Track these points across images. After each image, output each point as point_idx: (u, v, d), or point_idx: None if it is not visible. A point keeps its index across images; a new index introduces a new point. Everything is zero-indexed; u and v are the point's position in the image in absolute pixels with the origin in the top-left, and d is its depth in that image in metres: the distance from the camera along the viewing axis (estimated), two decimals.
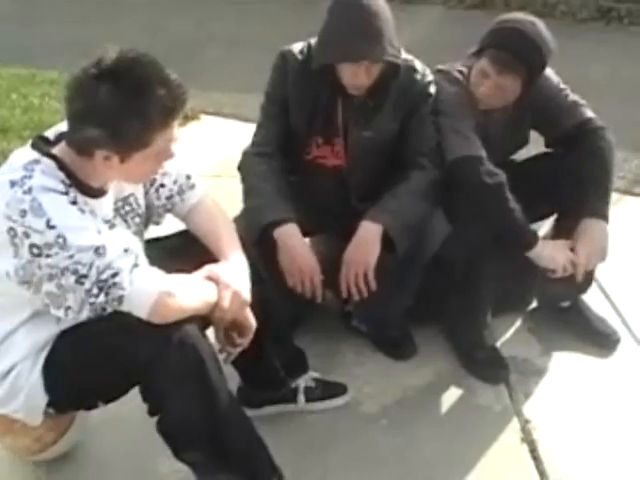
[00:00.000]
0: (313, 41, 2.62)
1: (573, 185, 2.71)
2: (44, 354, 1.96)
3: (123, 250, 1.82)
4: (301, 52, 2.65)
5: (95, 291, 1.79)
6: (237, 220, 2.67)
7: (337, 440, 2.54)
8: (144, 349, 1.83)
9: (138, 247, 1.90)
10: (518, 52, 2.54)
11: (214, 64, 6.31)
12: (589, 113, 2.79)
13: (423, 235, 2.64)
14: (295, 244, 2.52)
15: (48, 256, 1.77)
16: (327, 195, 2.77)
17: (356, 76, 2.48)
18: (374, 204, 2.61)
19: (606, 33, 7.24)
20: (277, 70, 2.69)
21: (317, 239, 2.93)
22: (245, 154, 2.73)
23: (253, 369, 2.49)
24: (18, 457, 2.36)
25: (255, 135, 2.75)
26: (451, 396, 2.74)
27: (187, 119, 5.11)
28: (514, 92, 2.64)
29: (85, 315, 1.83)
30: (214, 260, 2.13)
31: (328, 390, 2.65)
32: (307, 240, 2.64)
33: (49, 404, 2.01)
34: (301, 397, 2.60)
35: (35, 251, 1.77)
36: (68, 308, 1.84)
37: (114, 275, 1.79)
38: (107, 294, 1.79)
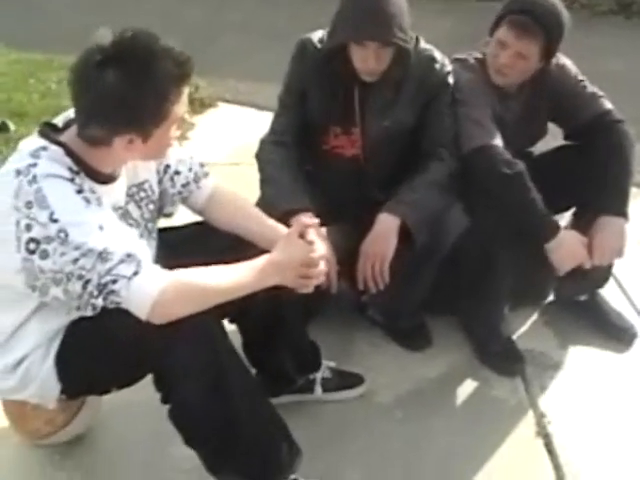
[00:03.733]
0: None
1: (592, 179, 2.69)
2: (56, 343, 1.96)
3: (126, 255, 1.78)
4: (320, 41, 2.64)
5: (95, 293, 1.77)
6: None
7: (351, 430, 2.54)
8: (156, 338, 1.81)
9: (143, 249, 1.86)
10: (536, 15, 2.54)
11: (231, 52, 6.30)
12: (608, 105, 2.78)
13: (441, 227, 2.63)
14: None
15: (44, 253, 1.75)
16: (344, 185, 2.76)
17: (365, 60, 2.47)
18: (392, 195, 2.60)
19: (625, 27, 7.19)
20: (296, 59, 2.69)
21: (334, 229, 2.92)
22: (263, 142, 2.73)
23: (263, 364, 2.49)
24: (30, 441, 2.36)
25: (273, 124, 2.75)
26: (466, 388, 2.73)
27: (204, 106, 5.13)
28: (533, 61, 2.62)
29: (89, 313, 1.82)
30: (236, 249, 2.10)
31: (345, 381, 2.65)
32: (323, 230, 2.63)
33: (62, 391, 2.01)
34: (318, 388, 2.61)
35: (31, 247, 1.76)
36: (73, 309, 1.85)
37: (113, 282, 1.76)
38: (105, 299, 1.78)
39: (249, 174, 2.81)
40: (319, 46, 2.62)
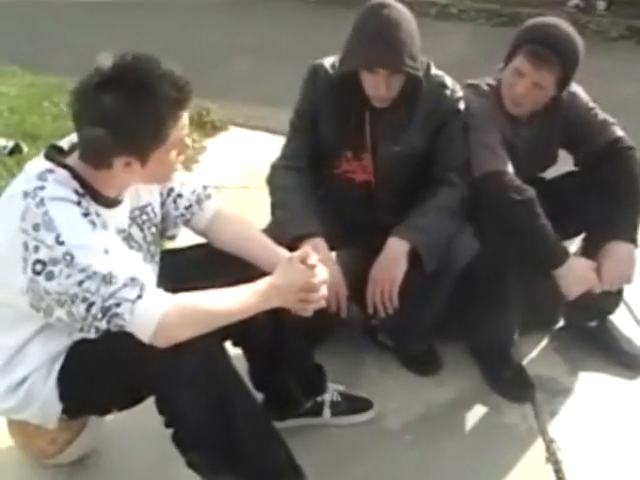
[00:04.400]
0: None
1: (601, 205, 2.69)
2: (58, 364, 1.97)
3: (130, 279, 1.79)
4: (332, 66, 2.66)
5: (99, 316, 1.78)
6: (264, 232, 2.68)
7: (359, 455, 2.53)
8: (157, 361, 1.82)
9: (146, 272, 1.87)
10: (553, 44, 2.54)
11: (243, 75, 6.34)
12: (619, 132, 2.78)
13: (451, 251, 2.63)
14: (322, 258, 2.51)
15: (50, 274, 1.76)
16: (355, 210, 2.77)
17: (376, 87, 2.49)
18: (402, 220, 2.60)
19: (636, 52, 7.21)
20: (307, 84, 2.70)
21: (344, 253, 2.92)
22: (274, 167, 2.74)
23: (268, 387, 2.49)
24: (37, 461, 2.36)
25: (284, 149, 2.76)
26: (476, 414, 2.72)
27: (215, 129, 5.15)
28: (549, 91, 2.63)
29: (92, 335, 1.83)
30: (233, 266, 2.14)
31: (354, 405, 2.64)
32: (333, 254, 2.63)
33: (63, 411, 2.02)
34: (327, 411, 2.60)
35: (38, 268, 1.77)
36: (76, 331, 1.86)
37: (117, 305, 1.77)
38: (109, 322, 1.79)
39: (258, 198, 2.83)
40: (331, 71, 2.64)
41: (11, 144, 4.29)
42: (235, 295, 1.93)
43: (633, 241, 2.67)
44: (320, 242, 2.51)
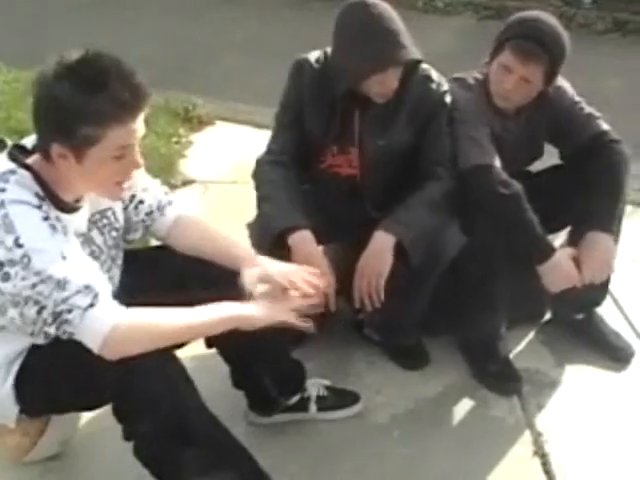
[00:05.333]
0: (329, 49, 2.62)
1: (586, 198, 2.69)
2: (16, 366, 1.97)
3: (84, 286, 1.77)
4: (317, 61, 2.65)
5: (49, 321, 1.77)
6: (251, 227, 2.69)
7: (347, 449, 2.53)
8: (111, 371, 1.81)
9: (102, 282, 1.85)
10: (539, 39, 2.54)
11: (231, 71, 6.31)
12: (604, 126, 2.78)
13: (437, 245, 2.62)
14: (310, 250, 2.51)
15: (6, 275, 1.75)
16: (341, 204, 2.76)
17: (385, 83, 2.48)
18: (388, 214, 2.60)
19: (622, 46, 7.22)
20: (293, 79, 2.69)
21: (330, 247, 2.92)
22: (259, 162, 2.72)
23: (245, 386, 2.50)
24: (15, 460, 2.34)
25: (269, 143, 2.74)
26: (463, 407, 2.72)
27: (202, 124, 5.13)
28: (537, 85, 2.62)
29: (41, 341, 1.83)
30: (196, 270, 2.14)
31: (340, 399, 2.65)
32: (321, 248, 2.63)
33: (21, 411, 2.02)
34: (313, 406, 2.60)
35: None
36: (27, 334, 1.84)
37: (68, 311, 1.76)
38: (58, 328, 1.78)
39: (246, 192, 2.81)
40: (316, 65, 2.63)
41: None
42: (193, 316, 1.92)
43: (611, 232, 2.66)
44: (307, 234, 2.50)
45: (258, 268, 2.12)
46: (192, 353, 2.06)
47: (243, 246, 2.24)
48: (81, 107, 1.75)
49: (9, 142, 2.01)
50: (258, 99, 5.29)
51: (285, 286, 2.09)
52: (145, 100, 1.82)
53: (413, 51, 2.45)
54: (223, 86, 5.85)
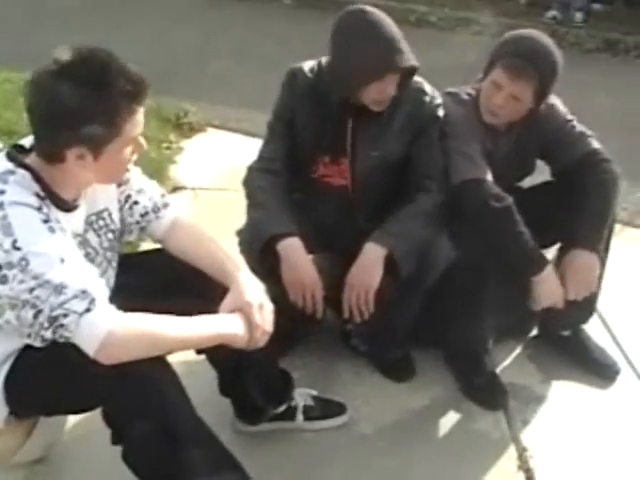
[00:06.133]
0: (324, 60, 2.63)
1: (574, 215, 2.70)
2: (6, 367, 1.96)
3: (80, 291, 1.76)
4: (311, 70, 2.65)
5: (46, 325, 1.76)
6: (240, 233, 2.69)
7: (332, 459, 2.52)
8: (102, 377, 1.80)
9: (99, 287, 1.84)
10: (530, 57, 2.55)
11: (221, 78, 6.32)
12: (595, 144, 2.79)
13: (427, 258, 2.62)
14: (298, 258, 2.51)
15: (4, 278, 1.75)
16: (332, 214, 2.76)
17: (383, 91, 2.49)
18: (379, 225, 2.60)
19: (612, 65, 7.28)
20: (286, 88, 2.70)
21: (320, 257, 2.91)
22: (250, 169, 2.73)
23: (232, 394, 2.49)
24: (5, 462, 2.30)
25: (261, 151, 2.75)
26: (449, 420, 2.72)
27: (193, 131, 5.13)
28: (526, 103, 2.63)
29: (38, 344, 1.81)
30: (190, 277, 2.14)
31: (327, 409, 2.64)
32: (311, 257, 2.63)
33: (10, 413, 2.01)
34: (300, 415, 2.59)
35: None
36: (24, 336, 1.83)
37: (64, 316, 1.75)
38: (54, 332, 1.77)
39: (235, 200, 2.82)
40: (310, 75, 2.64)
41: None
42: (190, 326, 1.93)
43: (596, 250, 2.67)
44: (296, 241, 2.51)
45: (231, 298, 2.10)
46: (182, 359, 2.05)
47: (234, 262, 2.22)
48: (94, 107, 1.76)
49: (0, 143, 2.03)
50: (248, 105, 5.32)
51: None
52: (147, 86, 1.85)
53: (411, 57, 2.46)
54: (213, 91, 5.85)
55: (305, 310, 2.54)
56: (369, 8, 2.47)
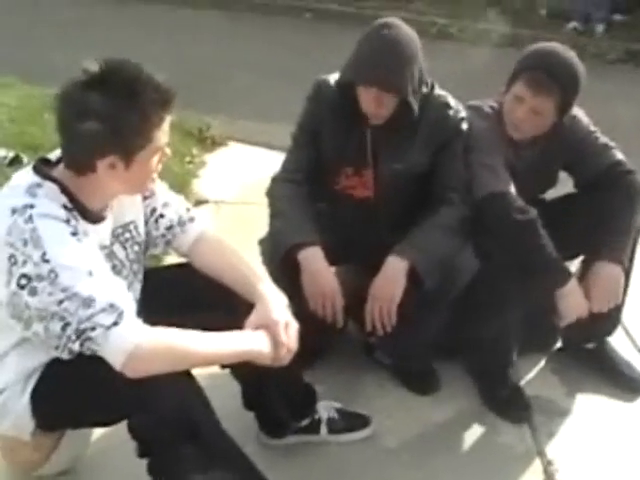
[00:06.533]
0: None
1: (598, 228, 2.70)
2: (33, 381, 1.97)
3: (109, 304, 1.78)
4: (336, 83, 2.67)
5: (73, 338, 1.78)
6: (262, 243, 2.70)
7: (357, 473, 2.52)
8: (129, 390, 1.81)
9: (127, 300, 1.85)
10: (552, 71, 2.55)
11: (243, 91, 6.35)
12: (619, 156, 2.79)
13: (451, 271, 2.62)
14: (319, 267, 2.51)
15: (33, 290, 1.76)
16: (355, 226, 2.76)
17: (368, 103, 2.51)
18: (402, 237, 2.60)
19: (634, 75, 7.25)
20: (311, 99, 2.72)
21: (343, 269, 2.92)
22: (274, 180, 2.75)
23: (256, 408, 2.50)
24: (30, 474, 2.33)
25: (285, 162, 2.77)
26: (473, 433, 2.71)
27: (215, 145, 5.15)
28: (549, 117, 2.63)
29: (65, 356, 1.82)
30: (216, 291, 2.15)
31: (351, 422, 2.63)
32: (333, 269, 2.63)
33: (37, 426, 2.02)
34: (324, 429, 2.59)
35: (22, 282, 1.77)
36: (52, 348, 1.84)
37: (92, 329, 1.76)
38: (82, 345, 1.78)
39: (258, 213, 2.83)
40: (335, 87, 2.65)
41: (11, 155, 4.28)
42: (216, 342, 1.94)
43: (620, 262, 2.66)
44: (317, 251, 2.51)
45: (257, 315, 2.10)
46: (206, 372, 2.05)
47: (259, 277, 2.23)
48: (126, 116, 1.79)
49: (25, 158, 2.05)
50: (269, 118, 5.34)
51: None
52: (174, 94, 1.88)
53: (400, 85, 2.45)
54: (234, 105, 5.88)
55: (325, 319, 2.54)
56: (395, 22, 2.49)
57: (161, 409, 1.83)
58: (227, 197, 4.36)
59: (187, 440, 1.86)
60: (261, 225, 2.70)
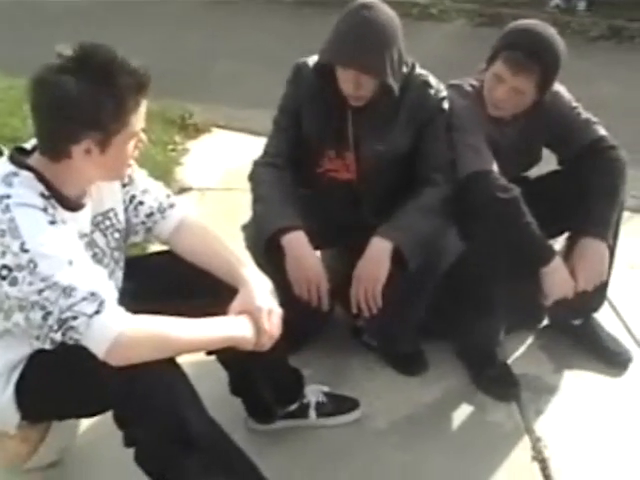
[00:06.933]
0: None
1: (582, 204, 2.69)
2: (17, 373, 1.96)
3: (90, 293, 1.76)
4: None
5: (55, 327, 1.76)
6: (246, 228, 2.69)
7: (347, 455, 2.52)
8: (113, 379, 1.79)
9: (108, 288, 1.84)
10: (532, 50, 2.54)
11: (226, 78, 6.33)
12: (602, 131, 2.78)
13: (436, 251, 2.62)
14: (303, 252, 2.50)
15: (14, 280, 1.75)
16: (338, 209, 2.76)
17: (346, 84, 2.50)
18: (385, 219, 2.59)
19: (617, 52, 7.25)
20: (291, 82, 2.70)
21: (327, 252, 2.92)
22: (256, 164, 2.73)
23: (243, 394, 2.50)
24: (19, 466, 2.30)
25: (266, 146, 2.75)
26: (462, 413, 2.72)
27: (198, 132, 5.14)
28: (529, 95, 2.63)
29: (47, 346, 1.81)
30: (199, 278, 2.13)
31: (340, 405, 2.64)
32: (317, 253, 2.63)
33: (22, 418, 2.00)
34: (312, 412, 2.59)
35: (4, 273, 1.76)
36: (33, 338, 1.83)
37: (74, 318, 1.75)
38: (64, 334, 1.76)
39: (242, 199, 2.81)
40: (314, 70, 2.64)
41: None
42: (199, 328, 1.93)
43: (605, 238, 2.66)
44: (301, 235, 2.50)
45: (240, 301, 2.09)
46: (192, 359, 2.04)
47: (242, 263, 2.21)
48: (101, 100, 1.76)
49: (5, 150, 2.02)
50: (252, 104, 5.31)
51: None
52: (149, 78, 1.85)
53: (377, 66, 2.43)
54: (217, 91, 5.87)
55: (310, 303, 2.54)
56: (375, 4, 2.46)
57: (145, 397, 1.81)
58: (211, 184, 4.35)
59: (172, 428, 1.85)
60: (246, 211, 2.69)
